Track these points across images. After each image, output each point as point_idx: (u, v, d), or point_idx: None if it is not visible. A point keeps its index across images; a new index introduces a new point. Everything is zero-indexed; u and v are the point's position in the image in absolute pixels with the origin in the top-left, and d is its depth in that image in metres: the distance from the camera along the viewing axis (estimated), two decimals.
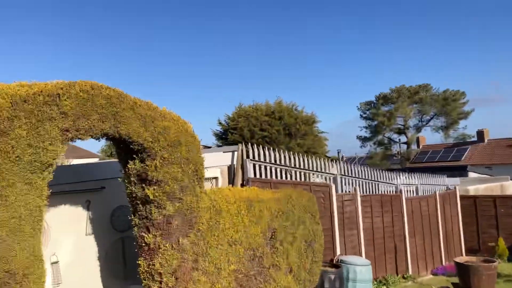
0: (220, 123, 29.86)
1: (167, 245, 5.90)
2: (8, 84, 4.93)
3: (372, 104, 57.48)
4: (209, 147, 14.52)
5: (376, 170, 13.61)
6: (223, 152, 9.29)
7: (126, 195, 6.52)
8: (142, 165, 5.98)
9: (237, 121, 27.64)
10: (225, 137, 28.55)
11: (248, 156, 9.32)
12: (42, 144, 4.87)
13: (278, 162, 10.09)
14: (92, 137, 5.46)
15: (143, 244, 6.04)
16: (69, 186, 6.85)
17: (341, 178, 11.88)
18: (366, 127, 58.50)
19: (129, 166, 6.07)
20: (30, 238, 4.77)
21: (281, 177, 10.21)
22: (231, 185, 9.02)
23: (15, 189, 4.63)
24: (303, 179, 10.92)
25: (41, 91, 4.96)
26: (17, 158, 4.65)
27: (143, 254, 6.08)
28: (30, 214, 4.76)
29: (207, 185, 8.33)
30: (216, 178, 8.90)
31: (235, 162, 9.28)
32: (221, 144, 26.44)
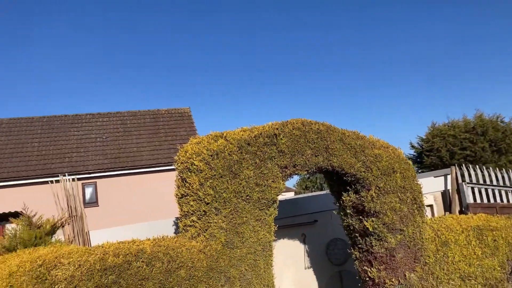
0: (413, 146, 28.17)
1: (393, 279, 5.55)
2: (233, 131, 5.44)
3: None
4: None
5: None
6: (434, 176, 8.54)
7: (339, 228, 6.47)
8: (357, 196, 5.85)
9: (432, 142, 25.67)
10: (420, 161, 26.71)
11: (464, 179, 8.36)
12: (266, 182, 5.17)
13: (501, 183, 8.79)
14: (308, 172, 5.59)
15: (367, 279, 5.81)
16: (286, 221, 7.13)
17: None
18: None
19: (343, 198, 6.01)
20: (264, 273, 5.03)
21: (507, 200, 8.83)
22: (447, 212, 8.18)
23: (249, 226, 4.97)
24: None
25: (261, 133, 5.32)
26: (248, 197, 5.02)
27: None
28: (262, 250, 5.04)
29: None
30: (430, 205, 8.19)
31: (449, 187, 8.42)
32: (416, 168, 24.82)
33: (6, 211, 10.75)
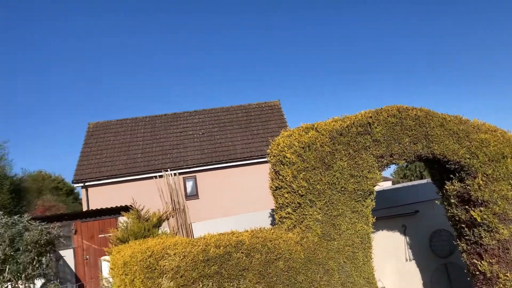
0: None
1: (508, 274, 5.10)
2: (324, 122, 5.37)
3: None
4: None
5: None
6: None
7: (443, 218, 6.10)
8: (461, 185, 5.46)
9: None
10: None
11: None
12: (361, 173, 5.03)
13: None
14: (406, 160, 5.33)
15: (477, 273, 5.41)
16: (384, 212, 6.89)
17: None
18: None
19: (446, 187, 5.65)
20: (363, 266, 4.92)
21: None
22: None
23: (345, 218, 4.89)
24: None
25: (353, 123, 5.18)
26: (343, 189, 4.93)
27: (478, 284, 5.44)
28: (361, 242, 4.93)
29: None
30: None
31: None
32: None
33: (118, 205, 11.76)
